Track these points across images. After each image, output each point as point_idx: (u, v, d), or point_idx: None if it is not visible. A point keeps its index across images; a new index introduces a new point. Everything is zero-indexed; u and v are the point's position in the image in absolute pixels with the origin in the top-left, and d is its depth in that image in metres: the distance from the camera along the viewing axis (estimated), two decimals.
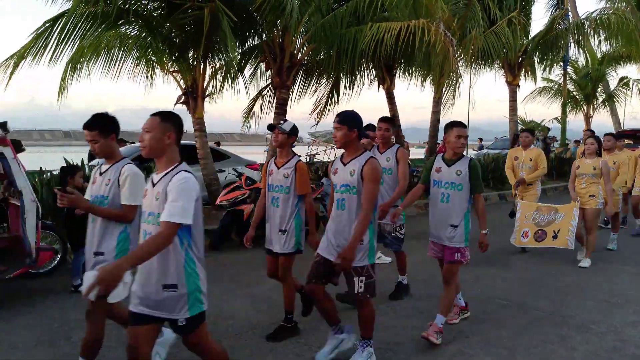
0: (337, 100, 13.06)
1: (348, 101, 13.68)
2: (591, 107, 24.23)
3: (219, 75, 10.49)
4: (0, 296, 5.03)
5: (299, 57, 10.07)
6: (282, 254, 4.06)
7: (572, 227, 6.45)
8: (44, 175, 7.77)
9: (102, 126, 3.14)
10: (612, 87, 24.80)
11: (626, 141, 9.47)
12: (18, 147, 5.00)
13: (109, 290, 2.30)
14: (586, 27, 14.88)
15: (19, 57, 7.87)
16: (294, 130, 4.14)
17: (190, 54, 9.20)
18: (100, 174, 3.20)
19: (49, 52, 7.92)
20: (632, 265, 6.63)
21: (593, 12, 15.02)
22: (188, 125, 10.16)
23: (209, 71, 9.68)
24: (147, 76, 10.51)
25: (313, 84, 12.58)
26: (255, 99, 12.44)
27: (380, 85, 13.32)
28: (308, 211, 4.07)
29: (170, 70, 9.65)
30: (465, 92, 78.43)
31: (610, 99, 24.58)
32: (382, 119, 5.23)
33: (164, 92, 12.47)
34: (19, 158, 4.86)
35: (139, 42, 9.38)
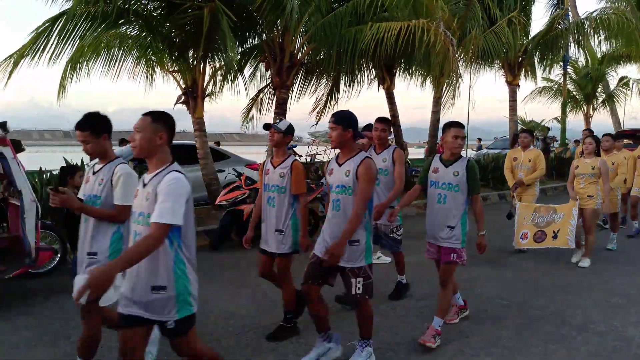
0: (337, 100, 13.08)
1: (348, 101, 13.68)
2: (591, 107, 24.24)
3: (219, 75, 10.50)
4: (0, 296, 5.03)
5: (298, 57, 10.07)
6: (279, 255, 4.04)
7: (571, 226, 6.45)
8: (44, 175, 7.77)
9: (94, 126, 3.09)
10: (612, 87, 24.82)
11: (625, 141, 9.45)
12: (18, 147, 5.00)
13: (100, 294, 2.26)
14: (586, 26, 14.86)
15: (19, 56, 7.87)
16: (290, 129, 4.12)
17: (190, 53, 9.19)
18: (94, 173, 3.16)
19: (48, 52, 7.92)
20: (632, 265, 6.63)
21: (593, 12, 15.01)
22: (188, 125, 10.17)
23: (208, 71, 9.69)
24: (147, 76, 10.52)
25: (313, 84, 12.60)
26: (254, 99, 12.45)
27: (380, 85, 13.33)
28: (301, 212, 4.03)
29: (170, 70, 9.65)
30: (465, 92, 78.54)
31: (610, 99, 24.58)
32: (379, 120, 5.16)
33: (163, 92, 12.48)
34: (19, 158, 4.85)
35: (138, 42, 9.37)
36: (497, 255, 6.94)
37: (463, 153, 4.32)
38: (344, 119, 3.44)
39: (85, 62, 9.44)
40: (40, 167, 8.06)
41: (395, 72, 13.29)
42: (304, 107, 13.67)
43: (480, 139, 26.62)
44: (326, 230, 3.53)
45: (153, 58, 9.79)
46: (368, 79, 13.36)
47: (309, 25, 10.05)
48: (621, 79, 24.59)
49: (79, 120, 3.09)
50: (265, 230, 4.10)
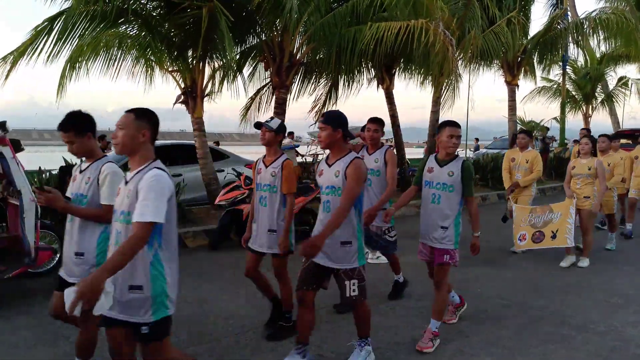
0: (336, 99, 13.07)
1: (347, 100, 13.68)
2: (590, 106, 24.25)
3: (218, 74, 10.49)
4: None
5: (298, 57, 10.06)
6: (274, 255, 4.02)
7: (569, 225, 6.44)
8: (43, 175, 7.76)
9: (77, 126, 3.01)
10: (611, 86, 24.84)
11: (623, 141, 9.44)
12: (17, 147, 4.99)
13: (92, 303, 2.21)
14: (585, 26, 14.89)
15: (18, 55, 7.86)
16: (281, 127, 4.09)
17: (190, 53, 9.19)
18: (80, 171, 3.10)
19: (47, 51, 7.92)
20: (631, 265, 6.64)
21: (592, 11, 15.04)
22: (187, 124, 10.17)
23: (208, 71, 9.68)
24: (146, 76, 10.52)
25: (312, 83, 12.59)
26: (253, 98, 12.44)
27: (380, 85, 13.33)
28: (287, 211, 3.97)
29: (170, 69, 9.64)
30: (464, 92, 78.56)
31: (609, 99, 24.60)
32: (372, 120, 5.09)
33: (163, 91, 12.47)
34: (18, 157, 4.84)
35: (138, 42, 9.36)
36: (497, 255, 6.94)
37: (462, 153, 4.28)
38: (334, 119, 3.38)
39: (84, 62, 9.44)
40: (40, 167, 8.05)
41: (395, 72, 13.29)
42: (303, 107, 13.69)
43: (477, 139, 26.50)
44: (317, 232, 3.46)
45: (152, 58, 9.78)
46: (367, 78, 13.37)
47: (308, 25, 10.05)
48: (620, 78, 24.61)
49: (61, 121, 3.01)
50: (257, 229, 4.06)
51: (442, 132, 4.01)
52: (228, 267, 6.27)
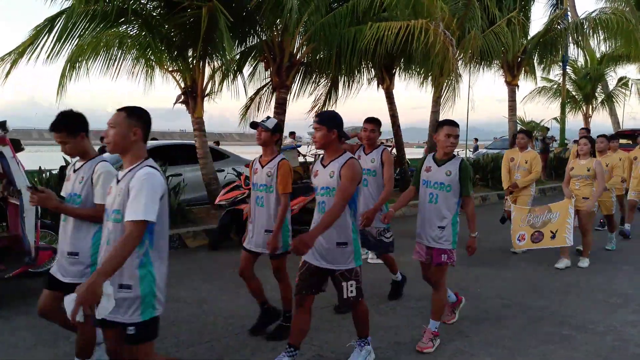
0: (336, 99, 13.07)
1: (346, 100, 13.66)
2: (590, 107, 24.24)
3: (218, 74, 10.49)
4: None
5: (298, 57, 10.07)
6: (272, 256, 4.02)
7: (569, 224, 6.43)
8: (43, 175, 7.76)
9: (69, 126, 2.99)
10: (611, 87, 24.82)
11: (622, 141, 9.43)
12: (17, 146, 4.98)
13: (93, 308, 2.21)
14: (585, 27, 14.88)
15: (18, 54, 7.86)
16: (277, 127, 4.08)
17: (189, 53, 9.19)
18: (74, 171, 3.09)
19: (47, 50, 7.92)
20: (630, 265, 6.65)
21: (592, 12, 15.04)
22: (187, 124, 10.18)
23: (208, 71, 9.68)
24: (147, 75, 10.53)
25: (312, 83, 12.59)
26: (252, 98, 12.44)
27: (380, 85, 13.33)
28: (280, 211, 3.95)
29: (170, 69, 9.64)
30: (464, 92, 78.57)
31: (609, 99, 24.59)
32: (368, 120, 5.06)
33: (163, 91, 12.47)
34: (18, 157, 4.85)
35: (138, 42, 9.36)
36: (496, 256, 6.95)
37: (462, 153, 4.26)
38: (329, 120, 3.35)
39: (84, 61, 9.44)
40: (40, 167, 8.05)
41: (395, 72, 13.28)
42: (302, 107, 13.71)
43: (477, 139, 26.41)
44: None
45: (152, 57, 9.77)
46: (367, 78, 13.36)
47: (308, 25, 10.05)
48: (620, 79, 24.58)
49: (53, 121, 2.98)
50: (253, 230, 4.06)
51: (440, 131, 3.99)
52: (228, 267, 6.26)
